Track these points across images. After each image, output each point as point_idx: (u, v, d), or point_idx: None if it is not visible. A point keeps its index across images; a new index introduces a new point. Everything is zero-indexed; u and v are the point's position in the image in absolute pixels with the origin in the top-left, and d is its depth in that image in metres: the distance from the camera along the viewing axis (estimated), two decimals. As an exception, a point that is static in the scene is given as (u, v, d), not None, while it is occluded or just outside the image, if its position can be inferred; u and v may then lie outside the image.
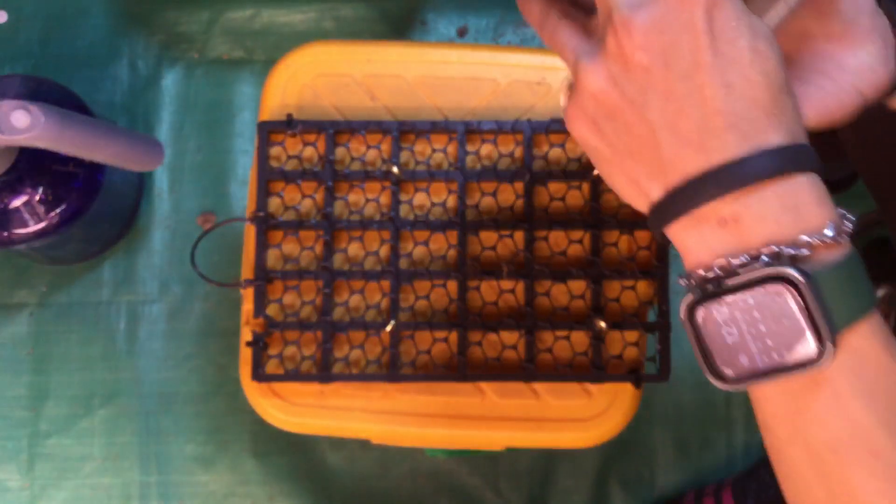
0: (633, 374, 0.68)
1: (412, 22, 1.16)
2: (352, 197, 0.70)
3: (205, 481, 1.08)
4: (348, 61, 0.72)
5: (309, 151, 0.70)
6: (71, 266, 1.10)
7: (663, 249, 0.68)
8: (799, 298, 0.32)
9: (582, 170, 0.70)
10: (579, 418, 0.68)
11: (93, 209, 0.94)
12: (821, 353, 0.32)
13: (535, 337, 0.68)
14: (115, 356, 1.09)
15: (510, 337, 0.69)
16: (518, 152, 0.70)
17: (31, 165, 0.85)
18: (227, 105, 1.14)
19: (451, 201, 0.70)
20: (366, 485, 1.08)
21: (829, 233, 0.33)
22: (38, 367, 1.09)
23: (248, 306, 0.69)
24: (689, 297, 0.36)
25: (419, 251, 0.69)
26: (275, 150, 0.70)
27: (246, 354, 0.68)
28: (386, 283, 0.69)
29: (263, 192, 0.69)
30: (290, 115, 0.69)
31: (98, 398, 1.08)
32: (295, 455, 1.08)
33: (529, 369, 0.67)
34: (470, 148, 0.70)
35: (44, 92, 0.90)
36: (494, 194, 0.70)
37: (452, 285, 0.69)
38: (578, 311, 0.69)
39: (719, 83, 0.32)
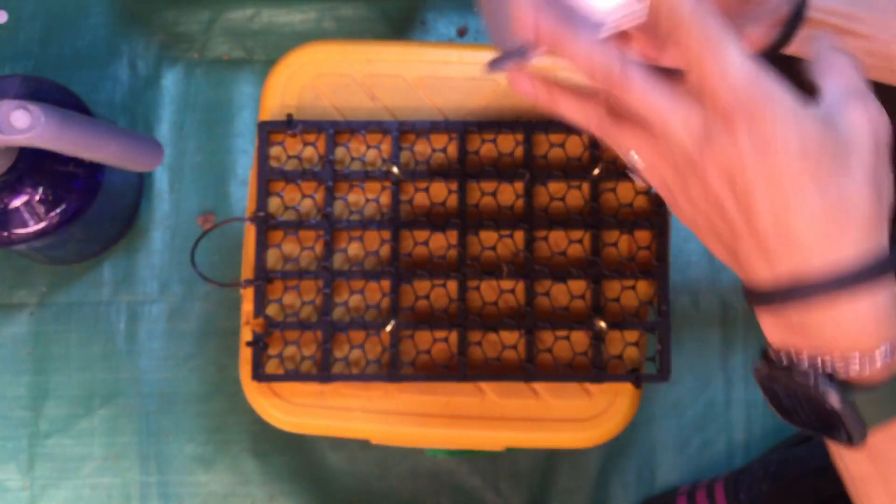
0: (633, 374, 0.68)
1: (412, 22, 1.16)
2: (352, 197, 0.70)
3: (205, 481, 1.08)
4: (348, 61, 0.72)
5: (309, 151, 0.70)
6: (71, 266, 1.10)
7: (663, 249, 0.68)
8: (836, 408, 0.35)
9: (582, 170, 0.70)
10: (579, 418, 0.68)
11: (93, 209, 0.94)
12: (849, 445, 0.36)
13: (535, 337, 0.68)
14: (115, 356, 1.09)
15: (510, 337, 0.69)
16: (518, 152, 0.70)
17: (31, 165, 0.85)
18: (227, 105, 1.14)
19: (451, 201, 0.70)
20: (366, 485, 1.08)
21: (878, 358, 0.34)
22: (38, 367, 1.09)
23: (248, 306, 0.69)
24: (760, 363, 0.39)
25: (419, 251, 0.69)
26: (275, 150, 0.70)
27: (246, 354, 0.68)
28: (386, 283, 0.69)
29: (263, 192, 0.69)
30: (289, 115, 0.69)
31: (98, 398, 1.08)
32: (295, 455, 1.08)
33: (529, 369, 0.67)
34: (470, 148, 0.70)
35: (44, 92, 0.90)
36: (494, 194, 0.70)
37: (452, 285, 0.69)
38: (578, 311, 0.69)
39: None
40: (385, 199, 0.70)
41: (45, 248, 0.98)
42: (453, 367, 0.68)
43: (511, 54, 0.39)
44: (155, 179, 1.12)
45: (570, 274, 0.68)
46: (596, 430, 0.68)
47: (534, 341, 0.68)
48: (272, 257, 0.69)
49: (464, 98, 0.71)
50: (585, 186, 0.69)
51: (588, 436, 0.68)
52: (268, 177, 0.69)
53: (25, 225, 0.90)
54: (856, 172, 0.33)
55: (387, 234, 0.69)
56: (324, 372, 0.67)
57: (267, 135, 0.70)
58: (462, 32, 1.16)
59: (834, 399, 0.35)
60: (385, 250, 0.69)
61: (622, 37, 0.43)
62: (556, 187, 0.70)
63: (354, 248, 0.70)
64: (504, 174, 0.69)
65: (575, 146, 0.70)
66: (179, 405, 1.08)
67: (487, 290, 0.69)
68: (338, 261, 0.69)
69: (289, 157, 0.70)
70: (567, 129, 0.68)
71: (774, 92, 0.33)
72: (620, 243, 0.69)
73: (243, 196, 1.09)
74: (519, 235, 0.69)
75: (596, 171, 0.69)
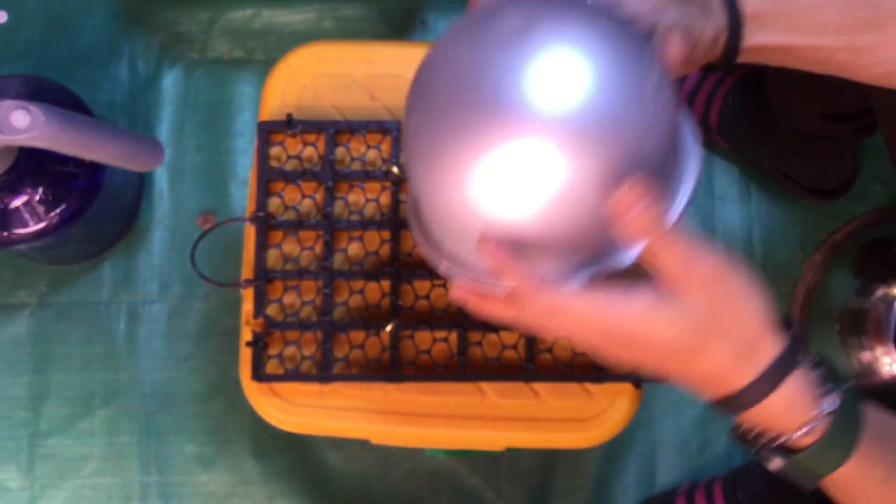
0: (633, 374, 0.68)
1: (412, 22, 1.16)
2: (352, 197, 0.70)
3: (205, 481, 1.08)
4: (348, 61, 0.72)
5: (309, 151, 0.70)
6: (71, 266, 1.10)
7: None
8: (779, 468, 0.47)
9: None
10: (579, 418, 0.68)
11: (93, 209, 0.94)
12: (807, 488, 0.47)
13: (536, 337, 0.68)
14: (115, 356, 1.09)
15: (510, 337, 0.69)
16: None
17: (31, 165, 0.85)
18: (227, 105, 1.14)
19: (451, 201, 0.70)
20: (366, 485, 1.08)
21: (799, 435, 0.45)
22: (38, 367, 1.09)
23: (248, 306, 0.69)
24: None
25: (419, 251, 0.69)
26: (275, 150, 0.70)
27: (246, 354, 0.68)
28: (386, 283, 0.69)
29: (263, 192, 0.69)
30: (289, 115, 0.69)
31: (98, 398, 1.08)
32: (295, 455, 1.08)
33: (529, 369, 0.67)
34: (470, 148, 0.70)
35: (44, 92, 0.90)
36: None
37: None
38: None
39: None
40: (385, 199, 0.70)
41: (45, 248, 0.98)
42: (453, 367, 0.68)
43: (472, 276, 0.47)
44: (155, 179, 1.12)
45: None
46: (596, 430, 0.68)
47: (534, 341, 0.68)
48: (272, 257, 0.69)
49: (464, 98, 0.71)
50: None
51: (588, 436, 0.68)
52: (268, 177, 0.69)
53: (25, 225, 0.90)
54: (711, 341, 0.43)
55: (387, 234, 0.69)
56: (324, 372, 0.67)
57: (267, 135, 0.70)
58: (462, 32, 1.16)
59: (776, 463, 0.46)
60: (385, 250, 0.69)
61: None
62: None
63: (354, 248, 0.70)
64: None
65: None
66: (179, 405, 1.09)
67: (487, 290, 0.69)
68: (338, 261, 0.69)
69: (289, 157, 0.70)
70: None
71: (659, 319, 0.43)
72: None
73: (243, 196, 1.09)
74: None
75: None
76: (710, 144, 1.13)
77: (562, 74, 0.41)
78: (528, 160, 0.41)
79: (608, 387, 0.68)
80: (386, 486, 1.08)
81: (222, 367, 1.09)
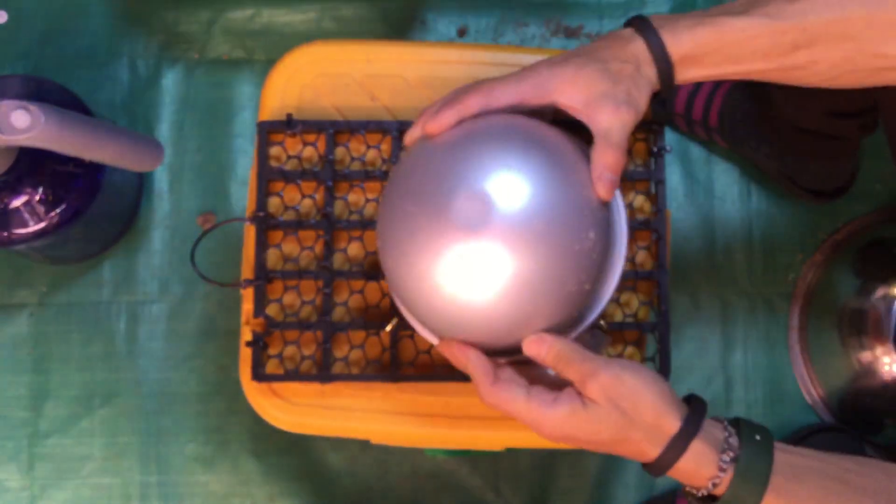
0: (633, 374, 0.68)
1: (412, 22, 1.16)
2: (352, 197, 0.70)
3: (205, 481, 1.08)
4: (348, 61, 0.72)
5: (309, 151, 0.70)
6: (71, 266, 1.10)
7: (663, 250, 0.68)
8: None
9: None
10: (579, 418, 0.68)
11: (93, 209, 0.94)
12: None
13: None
14: (115, 356, 1.09)
15: (510, 337, 0.69)
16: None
17: (31, 165, 0.85)
18: (227, 105, 1.14)
19: (451, 201, 0.70)
20: (366, 485, 1.08)
21: (711, 485, 0.53)
22: (38, 367, 1.09)
23: (248, 306, 0.69)
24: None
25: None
26: (274, 150, 0.70)
27: (246, 354, 0.68)
28: (386, 283, 0.69)
29: (263, 191, 0.69)
30: (289, 115, 0.69)
31: (98, 398, 1.08)
32: (295, 455, 1.08)
33: (529, 369, 0.67)
34: (470, 148, 0.70)
35: (44, 92, 0.91)
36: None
37: (452, 285, 0.69)
38: (578, 311, 0.69)
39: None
40: (385, 198, 0.70)
41: (45, 248, 0.98)
42: (453, 367, 0.68)
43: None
44: (155, 179, 1.12)
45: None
46: (596, 430, 0.68)
47: (534, 341, 0.68)
48: (272, 257, 0.69)
49: (464, 98, 0.71)
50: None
51: (588, 436, 0.68)
52: (268, 176, 0.69)
53: (25, 225, 0.90)
54: (629, 434, 0.53)
55: (387, 234, 0.69)
56: (324, 372, 0.67)
57: (266, 134, 0.70)
58: (462, 32, 1.16)
59: None
60: (385, 250, 0.69)
61: None
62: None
63: (354, 248, 0.69)
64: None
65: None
66: (179, 405, 1.09)
67: (487, 290, 0.69)
68: (338, 261, 0.69)
69: (289, 157, 0.70)
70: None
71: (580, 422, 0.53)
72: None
73: (243, 196, 1.09)
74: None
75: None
76: (710, 144, 1.13)
77: (505, 191, 0.52)
78: (478, 256, 0.51)
79: (608, 387, 0.68)
80: (386, 486, 1.08)
81: (222, 367, 1.09)
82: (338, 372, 0.67)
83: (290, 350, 0.69)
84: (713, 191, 1.13)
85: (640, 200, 0.69)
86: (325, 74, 0.72)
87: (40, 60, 1.13)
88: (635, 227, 0.68)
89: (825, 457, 0.55)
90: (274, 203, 0.70)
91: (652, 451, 0.53)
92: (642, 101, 0.55)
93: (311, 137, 0.70)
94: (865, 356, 1.05)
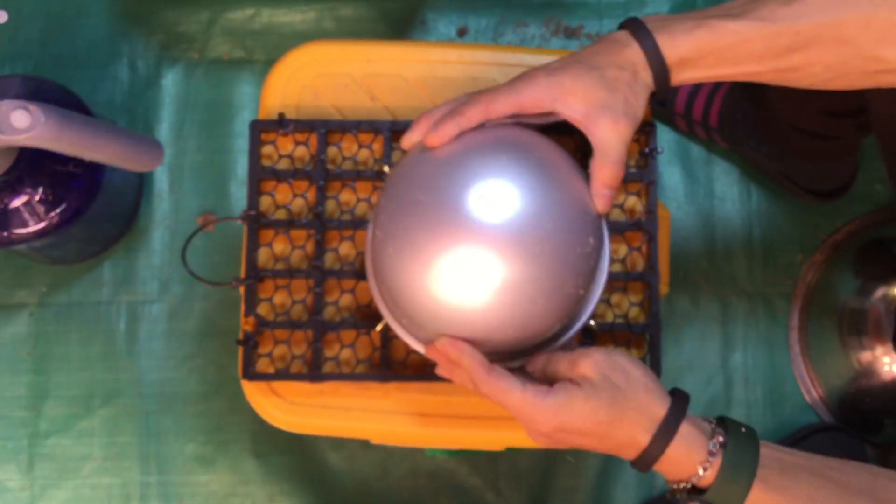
0: (633, 373, 0.68)
1: (412, 22, 1.16)
2: (343, 196, 0.70)
3: (205, 481, 1.08)
4: (348, 61, 0.72)
5: (301, 151, 0.70)
6: (71, 266, 1.10)
7: (654, 251, 0.68)
8: None
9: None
10: (579, 418, 0.68)
11: (93, 209, 0.94)
12: None
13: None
14: (115, 356, 1.09)
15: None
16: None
17: (31, 165, 0.85)
18: (227, 105, 1.14)
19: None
20: (366, 485, 1.08)
21: (701, 471, 0.53)
22: (38, 367, 1.09)
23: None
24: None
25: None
26: (267, 150, 0.70)
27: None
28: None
29: (255, 191, 0.69)
30: (281, 115, 0.69)
31: (98, 398, 1.08)
32: (295, 455, 1.08)
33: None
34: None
35: (44, 92, 0.91)
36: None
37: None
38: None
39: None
40: (376, 198, 0.70)
41: (45, 248, 0.98)
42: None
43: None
44: (155, 179, 1.12)
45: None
46: (596, 429, 0.68)
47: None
48: (264, 256, 0.69)
49: (464, 98, 0.71)
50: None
51: (588, 436, 0.68)
52: (259, 176, 0.69)
53: (25, 225, 0.90)
54: (626, 412, 0.53)
55: (384, 234, 0.69)
56: (314, 371, 0.67)
57: (258, 134, 0.69)
58: (462, 32, 1.16)
59: (691, 502, 0.55)
60: (385, 250, 0.69)
61: None
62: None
63: (346, 248, 0.69)
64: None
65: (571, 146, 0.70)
66: (179, 405, 1.09)
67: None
68: (329, 260, 0.69)
69: (280, 157, 0.70)
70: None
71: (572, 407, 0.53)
72: (611, 244, 0.69)
73: (243, 196, 1.09)
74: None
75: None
76: (710, 144, 1.13)
77: (499, 199, 0.53)
78: (473, 261, 0.52)
79: (608, 387, 0.68)
80: (386, 486, 1.08)
81: (222, 367, 1.09)
82: (328, 371, 0.67)
83: (280, 349, 0.68)
84: (713, 191, 1.13)
85: (632, 201, 0.69)
86: (325, 74, 0.72)
87: (40, 60, 1.13)
88: (627, 228, 0.68)
89: (810, 455, 0.56)
90: (266, 202, 0.70)
91: (643, 438, 0.53)
92: (640, 108, 0.56)
93: (302, 137, 0.70)
94: (865, 356, 1.05)
